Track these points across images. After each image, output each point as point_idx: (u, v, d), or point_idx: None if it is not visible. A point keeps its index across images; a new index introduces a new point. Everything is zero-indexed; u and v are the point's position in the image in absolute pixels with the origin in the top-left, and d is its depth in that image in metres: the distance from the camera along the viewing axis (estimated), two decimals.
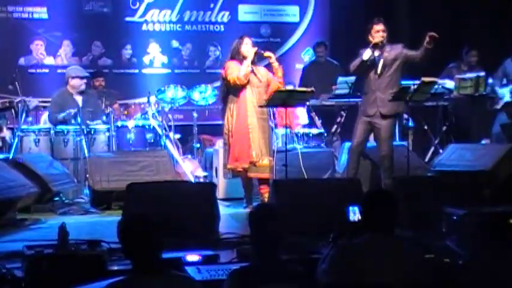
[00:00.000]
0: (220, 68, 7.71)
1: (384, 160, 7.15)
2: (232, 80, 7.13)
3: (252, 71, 7.20)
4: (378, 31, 7.08)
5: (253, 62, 7.27)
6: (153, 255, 3.32)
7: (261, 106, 7.20)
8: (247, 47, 7.20)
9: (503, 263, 3.87)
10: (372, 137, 7.49)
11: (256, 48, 7.21)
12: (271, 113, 7.52)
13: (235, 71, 7.14)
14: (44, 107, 8.71)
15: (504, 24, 9.22)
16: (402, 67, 7.17)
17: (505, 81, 8.44)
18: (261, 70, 7.39)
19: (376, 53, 7.08)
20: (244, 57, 7.17)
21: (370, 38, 7.08)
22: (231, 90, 7.25)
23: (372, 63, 7.09)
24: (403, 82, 7.52)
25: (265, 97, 7.11)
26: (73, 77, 8.36)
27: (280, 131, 8.00)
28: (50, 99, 8.61)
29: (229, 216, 6.71)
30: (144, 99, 8.97)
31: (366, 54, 7.01)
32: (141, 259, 3.32)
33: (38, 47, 10.29)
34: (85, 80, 8.43)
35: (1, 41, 10.11)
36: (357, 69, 7.22)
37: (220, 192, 7.48)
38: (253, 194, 7.39)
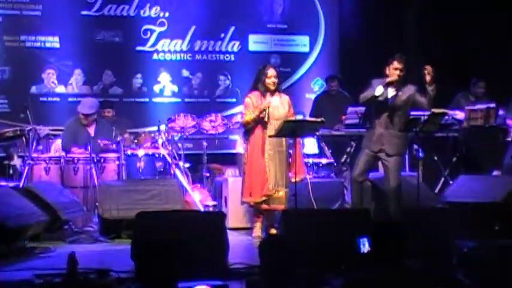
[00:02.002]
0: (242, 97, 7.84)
1: (391, 192, 7.15)
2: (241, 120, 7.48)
3: (269, 108, 7.27)
4: (397, 69, 7.05)
5: (277, 90, 7.39)
6: (167, 285, 3.34)
7: (270, 136, 7.25)
8: (272, 80, 7.30)
9: None
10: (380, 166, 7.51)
11: (268, 107, 7.26)
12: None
13: (246, 112, 7.36)
14: (55, 135, 8.74)
15: None
16: (410, 109, 7.21)
17: None
18: (284, 99, 7.46)
19: (390, 93, 7.07)
20: (268, 91, 7.26)
21: (387, 72, 7.08)
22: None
23: (384, 100, 7.09)
24: (413, 113, 7.56)
25: None
26: (78, 112, 8.43)
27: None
28: (60, 128, 8.66)
29: (239, 245, 6.69)
30: (154, 128, 9.00)
31: (379, 90, 6.99)
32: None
33: (50, 76, 10.34)
34: (90, 117, 8.38)
35: (13, 69, 10.20)
36: (367, 102, 7.23)
37: (229, 222, 7.48)
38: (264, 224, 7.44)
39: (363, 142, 7.39)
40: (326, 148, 8.91)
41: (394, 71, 7.06)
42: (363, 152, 7.26)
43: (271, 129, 7.22)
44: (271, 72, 7.38)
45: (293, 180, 7.19)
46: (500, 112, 8.69)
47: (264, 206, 7.30)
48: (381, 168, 7.42)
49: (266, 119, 7.23)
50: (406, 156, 8.68)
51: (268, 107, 7.23)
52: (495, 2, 10.01)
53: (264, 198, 7.27)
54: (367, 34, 10.42)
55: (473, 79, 9.32)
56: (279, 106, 7.37)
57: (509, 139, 8.31)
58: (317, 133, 8.13)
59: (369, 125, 7.36)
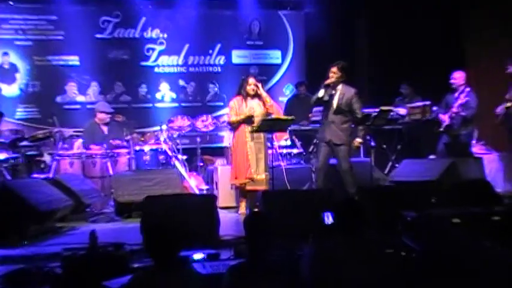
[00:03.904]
0: (227, 101, 8.02)
1: (345, 173, 7.13)
2: (227, 120, 7.55)
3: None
4: (332, 72, 7.10)
5: (256, 95, 7.36)
6: (170, 254, 3.34)
7: (251, 132, 7.25)
8: (252, 87, 7.29)
9: (447, 254, 3.87)
10: None
11: (252, 115, 7.28)
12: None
13: (230, 113, 7.42)
14: (77, 136, 8.70)
15: (445, 65, 9.20)
16: (352, 108, 7.18)
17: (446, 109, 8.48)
18: (260, 103, 7.45)
19: (332, 92, 7.07)
20: (249, 95, 7.25)
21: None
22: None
23: (328, 99, 7.09)
24: (365, 110, 7.55)
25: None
26: (100, 112, 8.40)
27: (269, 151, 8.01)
28: (81, 129, 8.61)
29: (228, 221, 6.69)
30: (157, 128, 8.96)
31: (320, 92, 7.06)
32: (161, 257, 3.34)
33: (71, 88, 10.29)
34: (110, 115, 8.45)
35: (42, 83, 10.16)
36: (315, 103, 7.28)
37: (219, 202, 7.46)
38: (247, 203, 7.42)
39: (317, 134, 7.40)
40: (297, 140, 8.91)
41: (331, 74, 7.09)
42: (320, 145, 7.25)
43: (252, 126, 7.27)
44: (251, 80, 7.43)
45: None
46: (434, 108, 8.72)
47: (248, 187, 7.32)
48: None
49: (254, 122, 7.26)
50: (361, 145, 8.71)
51: (253, 115, 7.25)
52: (431, 14, 10.01)
53: (247, 180, 7.29)
54: (329, 46, 10.37)
55: (400, 85, 9.42)
56: (257, 107, 7.39)
57: (441, 129, 8.33)
58: (289, 128, 8.14)
59: (322, 120, 7.36)
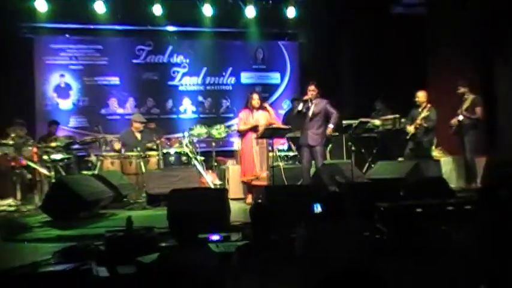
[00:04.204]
0: (237, 113, 7.97)
1: (320, 170, 7.08)
2: (237, 128, 7.53)
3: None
4: (310, 90, 7.07)
5: (260, 108, 7.38)
6: (191, 236, 3.35)
7: (256, 138, 7.26)
8: (256, 101, 7.30)
9: (411, 237, 3.88)
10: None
11: (257, 125, 7.28)
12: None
13: (239, 123, 7.43)
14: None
15: (411, 85, 9.16)
16: (326, 115, 7.15)
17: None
18: (263, 114, 7.45)
19: (309, 105, 7.06)
20: (254, 107, 7.24)
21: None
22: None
23: (305, 111, 7.07)
24: (347, 121, 7.52)
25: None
26: (136, 121, 8.43)
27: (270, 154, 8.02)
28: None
29: (237, 210, 6.68)
30: (180, 134, 8.99)
31: (300, 106, 7.06)
32: (183, 238, 3.35)
33: (113, 102, 10.32)
34: (143, 124, 8.49)
35: (90, 99, 10.20)
36: (296, 115, 7.26)
37: (230, 194, 7.42)
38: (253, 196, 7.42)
39: (299, 140, 7.37)
40: (292, 145, 8.90)
41: (308, 91, 7.07)
42: (302, 150, 7.20)
43: (256, 132, 7.28)
44: (255, 96, 7.44)
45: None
46: (402, 120, 8.71)
47: (254, 183, 7.32)
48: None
49: (258, 131, 7.26)
50: (344, 148, 8.69)
51: (258, 125, 7.27)
52: (401, 45, 9.99)
53: (253, 177, 7.29)
54: (318, 69, 10.35)
55: (375, 101, 9.40)
56: (261, 118, 7.39)
57: (408, 138, 8.32)
58: (286, 136, 8.14)
59: (301, 128, 7.34)
